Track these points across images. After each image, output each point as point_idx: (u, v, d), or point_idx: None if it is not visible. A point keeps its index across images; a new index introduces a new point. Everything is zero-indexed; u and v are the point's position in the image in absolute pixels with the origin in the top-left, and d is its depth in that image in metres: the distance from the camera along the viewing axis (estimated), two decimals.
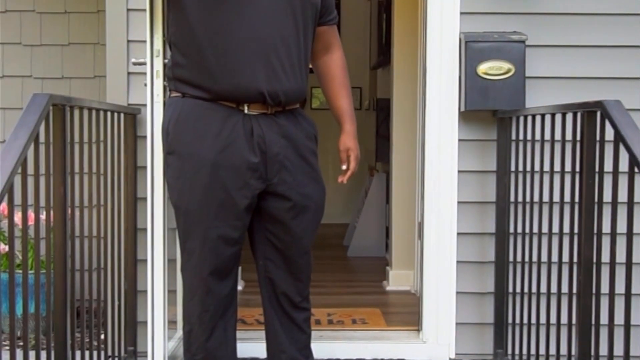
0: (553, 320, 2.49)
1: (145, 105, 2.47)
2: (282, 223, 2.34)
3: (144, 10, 2.42)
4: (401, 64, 4.26)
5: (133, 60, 2.39)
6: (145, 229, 2.81)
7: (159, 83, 2.28)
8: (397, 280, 4.26)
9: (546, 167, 2.56)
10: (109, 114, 2.66)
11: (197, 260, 2.26)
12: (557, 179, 2.48)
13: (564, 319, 2.42)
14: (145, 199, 2.59)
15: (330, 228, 6.60)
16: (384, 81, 5.43)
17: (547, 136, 2.56)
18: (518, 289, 2.83)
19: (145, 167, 2.52)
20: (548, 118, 2.58)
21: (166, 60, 2.29)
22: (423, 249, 3.11)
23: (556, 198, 2.50)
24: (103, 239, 2.65)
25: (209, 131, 2.22)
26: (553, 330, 2.49)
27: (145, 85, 2.30)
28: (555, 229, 2.49)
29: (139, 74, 2.80)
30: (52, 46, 3.98)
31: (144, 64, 2.29)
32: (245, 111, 2.25)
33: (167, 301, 2.33)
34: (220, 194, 2.22)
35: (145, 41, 2.42)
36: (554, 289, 2.50)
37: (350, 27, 7.12)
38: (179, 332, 2.96)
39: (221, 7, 2.18)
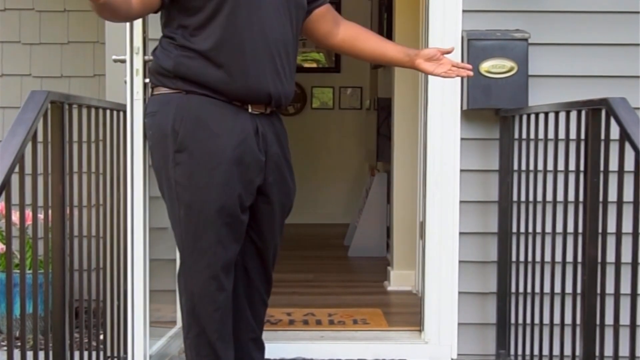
0: (557, 320, 2.47)
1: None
2: (266, 221, 2.42)
3: None
4: None
5: (113, 57, 2.36)
6: None
7: (138, 80, 2.26)
8: (398, 280, 4.23)
9: (549, 166, 2.54)
10: (107, 112, 2.64)
11: (210, 259, 2.26)
12: (560, 178, 2.46)
13: (567, 319, 2.41)
14: None
15: (331, 228, 6.61)
16: (384, 81, 5.41)
17: (551, 135, 2.54)
18: (521, 289, 2.80)
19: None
20: (552, 116, 2.56)
21: (147, 57, 2.27)
22: (425, 249, 3.09)
23: (560, 197, 2.47)
24: (102, 239, 2.63)
25: (223, 128, 2.23)
26: (557, 330, 2.47)
27: (125, 82, 2.28)
28: (559, 229, 2.47)
29: None
30: (52, 45, 3.95)
31: (124, 61, 2.28)
32: (249, 110, 2.29)
33: (148, 301, 2.31)
34: (234, 190, 2.24)
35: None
36: (557, 289, 2.48)
37: None
38: (172, 330, 2.94)
39: (236, 11, 2.20)
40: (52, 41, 3.95)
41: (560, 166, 2.47)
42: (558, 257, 2.48)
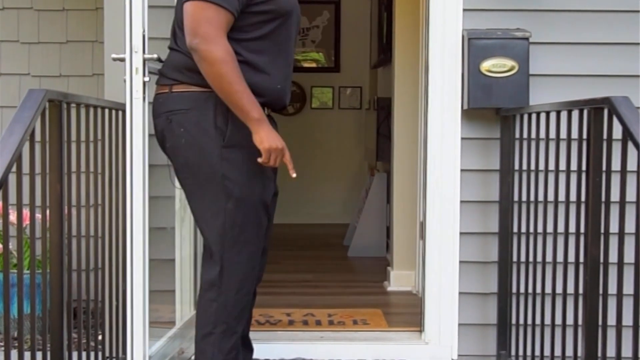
0: (558, 321, 2.46)
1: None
2: (272, 209, 2.51)
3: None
4: (402, 62, 4.22)
5: (113, 55, 2.36)
6: None
7: (138, 79, 2.27)
8: (398, 280, 4.22)
9: (551, 166, 2.52)
10: (106, 111, 2.62)
11: (252, 249, 2.35)
12: (562, 177, 2.43)
13: (569, 320, 2.38)
14: None
15: (330, 228, 6.59)
16: (384, 80, 5.40)
17: (552, 134, 2.52)
18: (522, 289, 2.78)
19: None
20: (553, 115, 2.54)
21: (147, 56, 2.28)
22: (425, 249, 3.07)
23: (561, 197, 2.45)
24: (101, 239, 2.61)
25: None
26: (558, 331, 2.45)
27: (124, 81, 2.28)
28: (561, 229, 2.45)
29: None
30: (50, 44, 3.93)
31: (124, 59, 2.28)
32: (266, 112, 2.38)
33: (147, 301, 2.31)
34: (270, 184, 2.38)
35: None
36: (559, 289, 2.46)
37: (351, 26, 7.11)
38: (172, 331, 2.92)
39: (280, 28, 2.33)
40: (50, 40, 3.93)
41: (562, 166, 2.45)
42: (559, 258, 2.45)
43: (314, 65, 7.27)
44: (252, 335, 2.80)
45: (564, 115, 2.46)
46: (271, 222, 2.53)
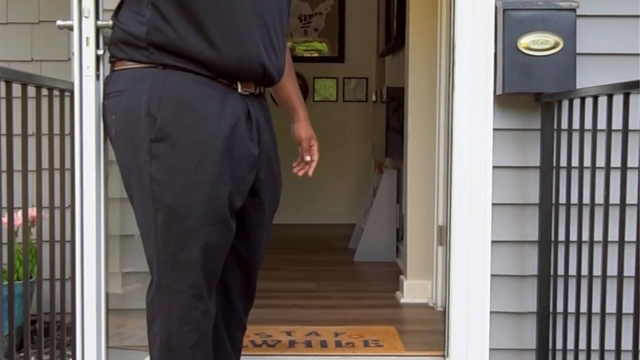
0: (610, 345, 2.10)
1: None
2: (255, 227, 2.04)
3: None
4: (417, 45, 3.81)
5: (59, 22, 1.95)
6: (116, 235, 2.44)
7: (89, 52, 1.86)
8: (412, 291, 3.79)
9: (601, 162, 2.15)
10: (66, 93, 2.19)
11: (195, 275, 1.83)
12: (616, 176, 2.07)
13: (626, 345, 2.03)
14: (117, 199, 2.21)
15: (335, 229, 6.30)
16: (393, 69, 5.02)
17: (604, 124, 2.13)
18: (569, 309, 2.41)
19: (114, 162, 2.03)
20: (605, 100, 2.13)
21: (101, 22, 1.88)
22: (450, 259, 2.65)
23: (616, 200, 2.08)
24: (69, 244, 2.22)
25: (211, 112, 1.82)
26: (610, 357, 2.10)
27: (73, 54, 1.88)
28: (614, 237, 2.08)
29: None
30: (21, 24, 3.57)
31: (72, 27, 1.87)
32: (239, 90, 1.89)
33: (103, 321, 1.97)
34: (225, 189, 1.83)
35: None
36: (611, 309, 2.10)
37: (356, 12, 6.80)
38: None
39: None
40: (21, 20, 3.57)
41: (616, 162, 2.08)
42: (613, 271, 2.09)
43: (316, 55, 6.90)
44: None
45: (618, 100, 2.06)
46: (257, 246, 2.06)
